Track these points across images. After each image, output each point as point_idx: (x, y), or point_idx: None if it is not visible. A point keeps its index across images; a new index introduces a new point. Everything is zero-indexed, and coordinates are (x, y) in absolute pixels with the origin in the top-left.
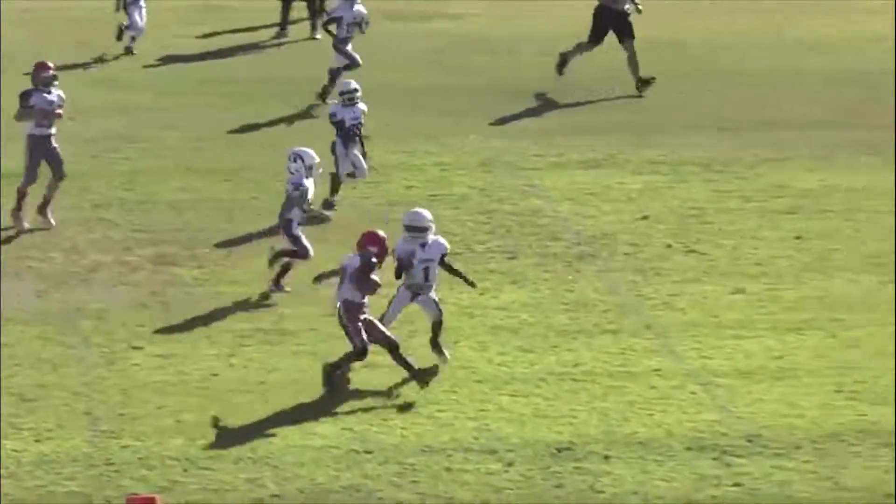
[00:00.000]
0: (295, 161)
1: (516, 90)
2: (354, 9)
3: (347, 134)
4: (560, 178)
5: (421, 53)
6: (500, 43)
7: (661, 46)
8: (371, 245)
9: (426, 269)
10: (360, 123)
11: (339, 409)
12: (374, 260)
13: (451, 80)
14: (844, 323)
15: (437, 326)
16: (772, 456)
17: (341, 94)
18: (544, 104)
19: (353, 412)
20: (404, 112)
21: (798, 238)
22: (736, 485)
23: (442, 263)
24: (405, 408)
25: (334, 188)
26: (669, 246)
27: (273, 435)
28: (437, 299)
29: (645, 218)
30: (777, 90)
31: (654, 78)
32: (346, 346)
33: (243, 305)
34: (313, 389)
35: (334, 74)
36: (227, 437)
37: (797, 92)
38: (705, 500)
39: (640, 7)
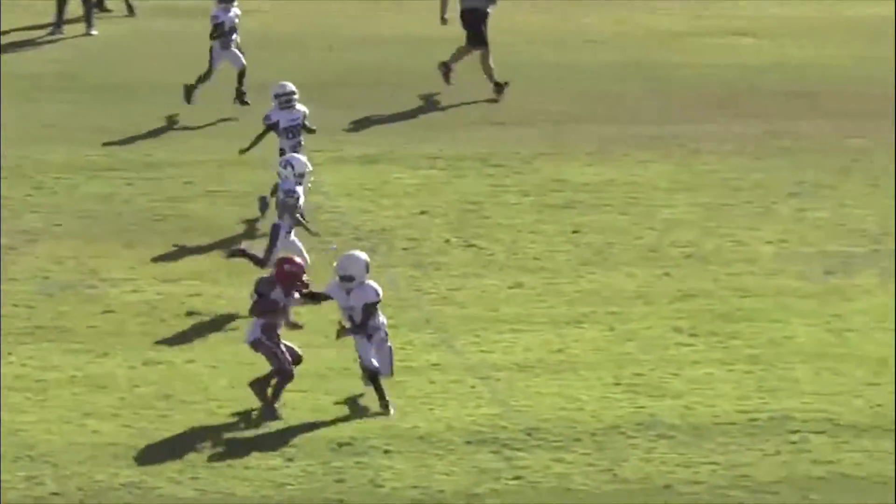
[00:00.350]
0: (285, 168)
1: (298, 86)
2: (231, 12)
3: (286, 137)
4: (338, 174)
5: (200, 50)
6: (285, 39)
7: (437, 43)
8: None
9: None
10: (299, 125)
11: (118, 406)
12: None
13: (231, 76)
14: (622, 316)
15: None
16: (551, 449)
17: (276, 96)
18: (323, 100)
19: (132, 409)
20: (183, 108)
21: (576, 232)
22: (516, 478)
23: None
24: (186, 404)
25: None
26: (448, 241)
27: (51, 432)
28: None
29: (423, 213)
30: (553, 85)
31: (507, 83)
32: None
33: (21, 303)
34: (92, 386)
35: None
36: (4, 436)
37: (574, 86)
38: (485, 494)
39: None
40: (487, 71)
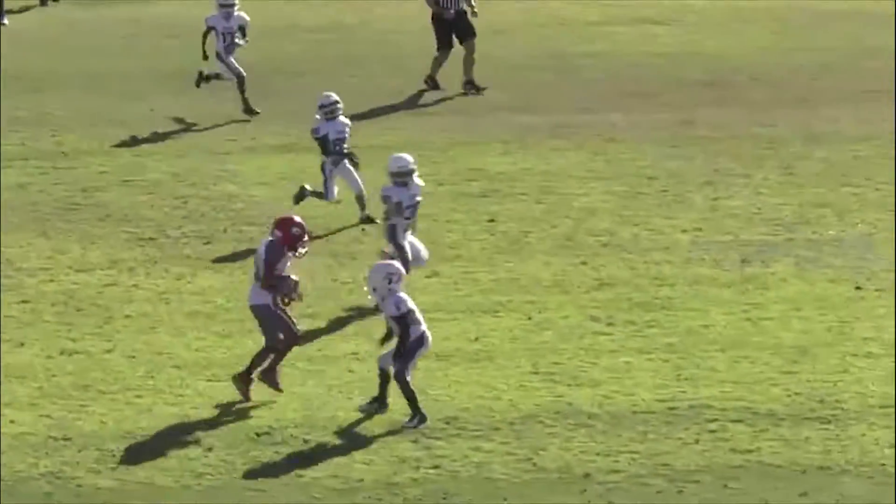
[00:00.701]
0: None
1: (211, 75)
2: (231, 20)
3: (333, 150)
4: (254, 163)
5: (112, 39)
6: (192, 27)
7: (344, 30)
8: (279, 230)
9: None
10: (346, 137)
11: (36, 396)
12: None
13: (144, 65)
14: (539, 305)
15: None
16: (470, 438)
17: (321, 107)
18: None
19: (50, 399)
20: (97, 98)
21: (491, 221)
22: (435, 467)
23: None
24: (104, 394)
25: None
26: (364, 230)
27: None
28: None
29: (339, 202)
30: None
31: (485, 88)
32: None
33: None
34: (9, 377)
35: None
36: None
37: (487, 76)
38: (404, 483)
39: (475, 9)
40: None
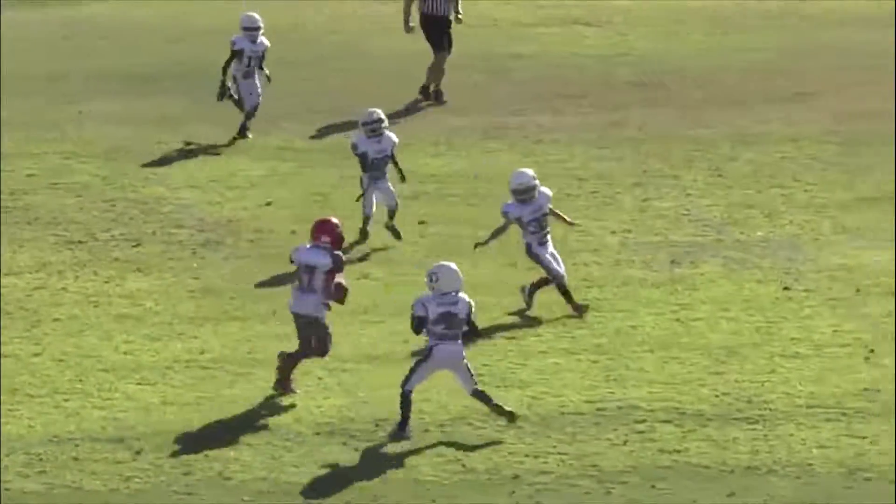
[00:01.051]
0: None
1: (142, 77)
2: (258, 43)
3: (371, 167)
4: (184, 166)
5: (42, 40)
6: (132, 29)
7: (285, 33)
8: (325, 234)
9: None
10: (387, 156)
11: None
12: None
13: (74, 66)
14: None
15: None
16: (400, 440)
17: (364, 124)
18: (170, 92)
19: None
20: (25, 100)
21: (422, 223)
22: (364, 469)
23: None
24: (32, 398)
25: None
26: (294, 232)
27: None
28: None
29: (269, 204)
30: (399, 75)
31: (445, 100)
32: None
33: None
34: None
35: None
36: None
37: (419, 77)
38: (334, 485)
39: (460, 17)
40: (433, 74)
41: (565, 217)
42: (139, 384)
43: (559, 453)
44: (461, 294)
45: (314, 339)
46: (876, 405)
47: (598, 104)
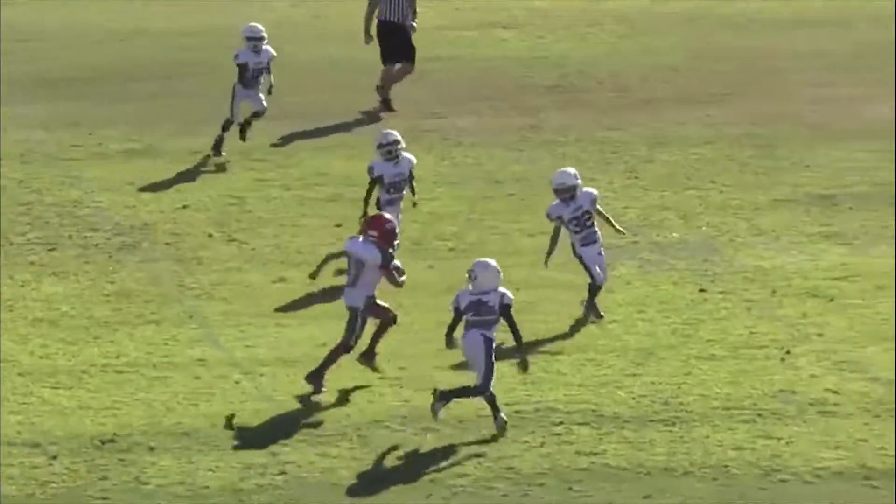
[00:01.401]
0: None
1: (57, 80)
2: (262, 54)
3: (388, 191)
4: (99, 169)
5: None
6: (42, 32)
7: (204, 37)
8: (374, 229)
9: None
10: (404, 179)
11: None
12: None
13: None
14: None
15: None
16: (316, 444)
17: (380, 146)
18: (85, 95)
19: None
20: None
21: (339, 226)
22: (281, 473)
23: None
24: None
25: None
26: (210, 235)
27: None
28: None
29: (185, 207)
30: (307, 79)
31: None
32: None
33: None
34: None
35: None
36: None
37: (333, 81)
38: (251, 490)
39: (415, 26)
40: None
41: (613, 223)
42: (55, 388)
43: (476, 455)
44: (501, 289)
45: (347, 328)
46: (791, 407)
47: (516, 106)
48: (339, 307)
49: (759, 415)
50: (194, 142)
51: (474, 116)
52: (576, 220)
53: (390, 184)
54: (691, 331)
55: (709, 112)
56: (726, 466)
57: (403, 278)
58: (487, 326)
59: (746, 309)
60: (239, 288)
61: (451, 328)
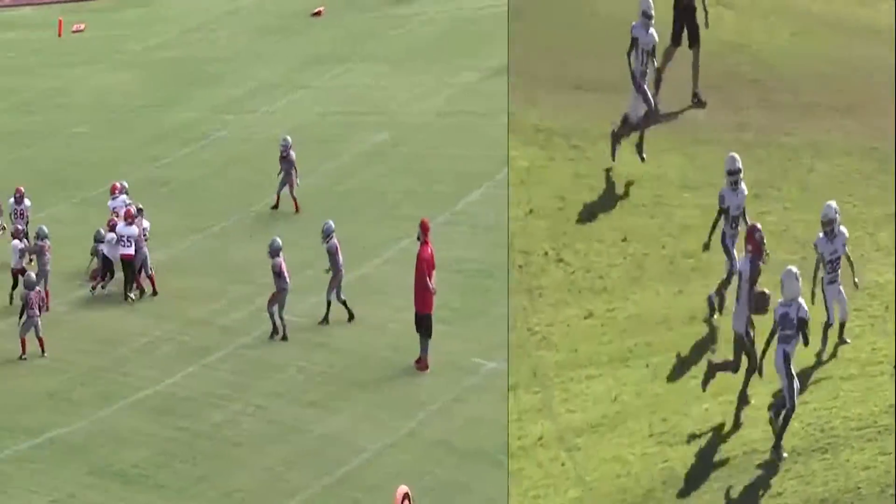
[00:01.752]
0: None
1: None
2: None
3: (730, 226)
4: None
5: None
6: None
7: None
8: (748, 243)
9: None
10: (743, 209)
11: None
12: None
13: None
14: None
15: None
16: None
17: (729, 173)
18: None
19: None
20: None
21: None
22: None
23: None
24: None
25: None
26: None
27: None
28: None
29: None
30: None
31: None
32: None
33: None
34: None
35: None
36: None
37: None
38: None
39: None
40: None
41: (853, 272)
42: None
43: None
44: (800, 300)
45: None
46: None
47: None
48: None
49: (879, 432)
50: None
51: None
52: (832, 262)
53: (734, 217)
54: (836, 350)
55: (844, 122)
56: (859, 488)
57: (764, 302)
58: (789, 339)
59: (871, 325)
60: None
61: (768, 339)
